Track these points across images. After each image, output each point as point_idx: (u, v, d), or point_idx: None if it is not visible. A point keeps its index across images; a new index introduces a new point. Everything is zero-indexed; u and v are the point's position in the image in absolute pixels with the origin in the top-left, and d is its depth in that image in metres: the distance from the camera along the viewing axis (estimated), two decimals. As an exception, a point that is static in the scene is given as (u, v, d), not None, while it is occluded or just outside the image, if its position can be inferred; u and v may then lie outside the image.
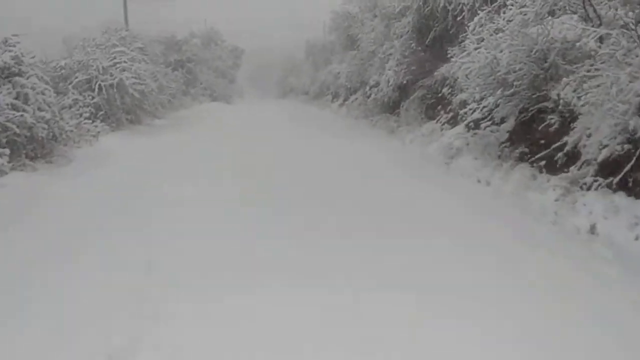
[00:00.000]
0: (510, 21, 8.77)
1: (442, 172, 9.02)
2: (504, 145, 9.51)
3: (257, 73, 74.86)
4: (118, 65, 13.64)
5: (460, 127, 11.64)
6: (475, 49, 9.36)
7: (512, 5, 8.60)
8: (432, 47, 14.81)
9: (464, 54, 9.98)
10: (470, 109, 11.79)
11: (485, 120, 10.85)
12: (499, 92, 9.38)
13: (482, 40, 9.73)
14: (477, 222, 5.72)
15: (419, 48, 15.01)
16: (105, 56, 14.02)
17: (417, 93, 14.93)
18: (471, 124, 11.24)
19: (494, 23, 9.60)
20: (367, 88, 23.95)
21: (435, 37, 14.59)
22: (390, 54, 18.67)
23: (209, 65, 36.23)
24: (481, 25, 12.05)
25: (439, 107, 13.91)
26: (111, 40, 17.13)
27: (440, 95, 13.79)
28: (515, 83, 8.60)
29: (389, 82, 17.73)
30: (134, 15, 34.30)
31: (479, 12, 12.29)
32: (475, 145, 10.15)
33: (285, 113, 24.50)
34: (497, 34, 9.38)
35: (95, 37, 17.06)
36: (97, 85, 13.19)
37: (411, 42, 15.16)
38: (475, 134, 10.62)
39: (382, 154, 11.05)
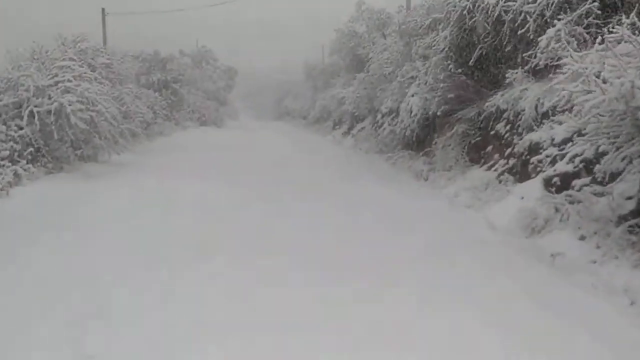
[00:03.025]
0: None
1: (546, 272, 5.40)
2: (633, 224, 5.98)
3: (251, 94, 71.87)
4: (60, 85, 10.13)
5: (535, 183, 8.12)
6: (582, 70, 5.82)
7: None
8: (476, 69, 11.38)
9: (565, 76, 6.44)
10: (547, 156, 8.30)
11: (580, 175, 7.37)
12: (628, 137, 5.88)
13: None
14: None
15: (459, 70, 11.56)
16: (43, 73, 10.51)
17: (457, 128, 11.43)
18: (555, 179, 7.71)
19: (612, 31, 6.12)
20: (379, 116, 20.58)
21: (482, 57, 11.16)
22: (412, 77, 15.33)
23: (198, 86, 32.83)
24: (558, 41, 8.73)
25: (490, 148, 10.43)
26: (68, 53, 13.66)
27: (492, 132, 10.30)
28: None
29: (411, 111, 14.31)
30: (123, 32, 31.04)
31: (554, 22, 8.95)
32: (577, 217, 6.62)
33: (283, 143, 20.95)
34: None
35: (49, 49, 13.61)
36: (27, 112, 9.64)
37: (448, 62, 11.72)
38: (569, 197, 7.09)
39: (426, 220, 7.46)
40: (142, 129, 17.55)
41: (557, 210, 7.10)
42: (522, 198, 8.04)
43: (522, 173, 8.84)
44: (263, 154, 15.49)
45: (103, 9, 26.31)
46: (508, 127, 9.72)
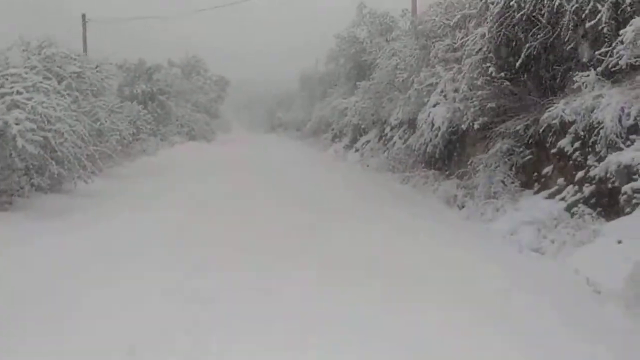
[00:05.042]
0: None
1: None
2: None
3: (244, 105, 69.99)
4: (6, 98, 7.97)
5: (637, 221, 6.04)
6: None
7: None
8: (522, 73, 9.34)
9: None
10: (646, 184, 6.24)
11: None
12: None
13: None
14: None
15: (501, 74, 9.51)
16: (-14, 83, 8.37)
17: (500, 144, 9.36)
18: (671, 218, 5.65)
19: None
20: (388, 129, 18.55)
21: (530, 58, 9.11)
22: (431, 85, 13.32)
23: (188, 98, 30.68)
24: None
25: (548, 169, 8.36)
26: (31, 60, 11.55)
27: (552, 150, 8.22)
28: None
29: (433, 124, 12.27)
30: (109, 41, 28.69)
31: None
32: None
33: (282, 160, 18.80)
34: None
35: (9, 56, 11.53)
36: (-39, 133, 7.48)
37: (487, 65, 9.66)
38: None
39: (499, 278, 5.33)
40: (123, 147, 15.40)
41: (688, 265, 5.02)
42: (620, 242, 5.96)
43: (608, 205, 6.76)
44: (261, 176, 13.32)
45: (83, 15, 24.14)
46: (578, 144, 7.64)
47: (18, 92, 8.07)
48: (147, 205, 9.26)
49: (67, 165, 9.23)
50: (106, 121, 12.58)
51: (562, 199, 7.62)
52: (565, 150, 7.88)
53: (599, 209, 6.87)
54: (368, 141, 21.09)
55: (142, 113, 19.50)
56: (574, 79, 7.73)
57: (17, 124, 7.62)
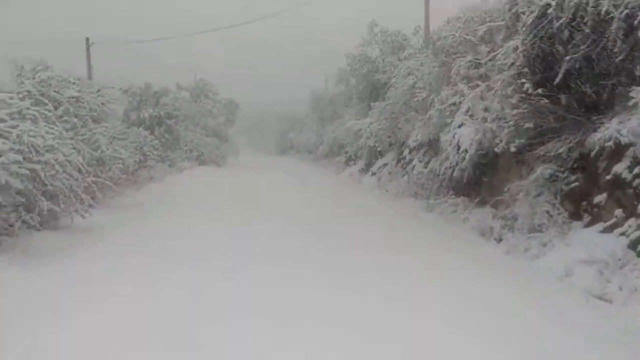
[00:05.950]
0: None
1: None
2: None
3: (251, 127, 69.28)
4: (-10, 128, 7.16)
5: None
6: None
7: None
8: (563, 89, 8.36)
9: None
10: None
11: None
12: None
13: None
14: None
15: (538, 90, 8.54)
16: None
17: (541, 170, 8.36)
18: None
19: None
20: (406, 151, 17.60)
21: (570, 72, 8.13)
22: (454, 104, 12.40)
23: (197, 122, 29.98)
24: None
25: (602, 198, 7.34)
26: (24, 85, 10.81)
27: (607, 176, 7.22)
28: None
29: (459, 146, 11.32)
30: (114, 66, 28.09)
31: None
32: None
33: (299, 186, 17.88)
34: None
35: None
36: (-62, 168, 6.62)
37: (522, 81, 8.72)
38: None
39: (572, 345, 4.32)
40: (128, 175, 14.56)
41: None
42: None
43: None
44: (284, 209, 12.27)
45: (87, 39, 23.66)
46: (638, 170, 6.64)
47: (1, 120, 7.25)
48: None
49: (62, 199, 8.35)
50: (107, 149, 11.75)
51: (623, 233, 6.59)
52: (623, 176, 6.88)
53: (671, 246, 5.85)
54: (385, 164, 20.13)
55: (149, 139, 18.70)
56: (631, 94, 6.75)
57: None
